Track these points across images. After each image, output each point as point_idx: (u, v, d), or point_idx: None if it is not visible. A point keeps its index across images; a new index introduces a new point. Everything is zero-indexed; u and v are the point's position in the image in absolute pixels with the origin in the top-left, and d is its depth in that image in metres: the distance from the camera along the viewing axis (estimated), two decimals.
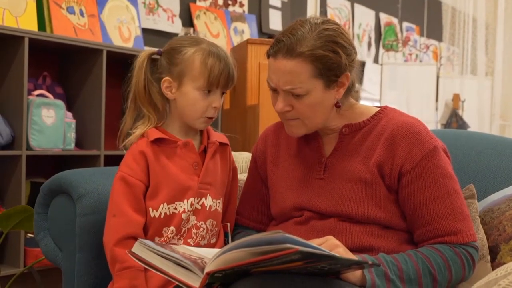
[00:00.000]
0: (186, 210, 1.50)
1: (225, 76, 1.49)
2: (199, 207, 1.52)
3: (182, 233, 1.51)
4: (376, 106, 1.60)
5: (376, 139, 1.49)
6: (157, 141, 1.51)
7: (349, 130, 1.53)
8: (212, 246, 1.56)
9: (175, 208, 1.50)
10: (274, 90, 1.50)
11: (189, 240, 1.50)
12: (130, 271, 1.42)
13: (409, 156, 1.44)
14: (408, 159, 1.44)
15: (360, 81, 1.58)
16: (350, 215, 1.45)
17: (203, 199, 1.52)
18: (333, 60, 1.42)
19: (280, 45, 1.43)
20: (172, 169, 1.50)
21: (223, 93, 1.54)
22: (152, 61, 1.56)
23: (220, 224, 1.60)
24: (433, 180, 1.44)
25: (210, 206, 1.54)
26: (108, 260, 1.47)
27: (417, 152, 1.44)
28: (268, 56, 1.47)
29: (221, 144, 1.60)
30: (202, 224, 1.52)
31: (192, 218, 1.51)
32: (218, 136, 1.61)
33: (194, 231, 1.51)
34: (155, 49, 1.57)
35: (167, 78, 1.51)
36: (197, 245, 1.51)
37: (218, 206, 1.57)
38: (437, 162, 1.45)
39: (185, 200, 1.50)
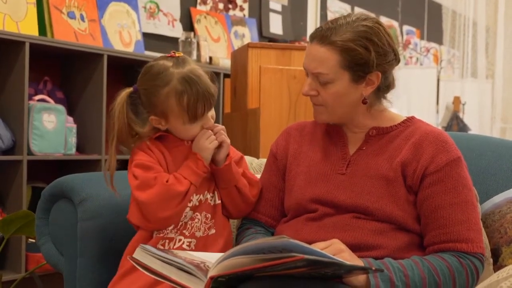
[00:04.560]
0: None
1: (202, 103, 1.49)
2: (197, 203, 1.54)
3: (179, 226, 1.52)
4: (404, 116, 1.63)
5: (403, 142, 1.52)
6: (159, 139, 1.56)
7: (376, 132, 1.56)
8: (213, 238, 1.56)
9: None
10: (307, 74, 1.55)
11: (184, 231, 1.52)
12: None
13: (434, 160, 1.47)
14: (433, 162, 1.47)
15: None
16: (367, 209, 1.46)
17: (200, 195, 1.55)
18: (361, 56, 1.46)
19: (318, 31, 1.50)
20: (173, 165, 1.53)
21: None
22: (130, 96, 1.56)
23: (220, 217, 1.59)
24: (453, 187, 1.46)
25: (206, 199, 1.56)
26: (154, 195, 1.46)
27: (443, 157, 1.47)
28: (308, 41, 1.54)
29: None
30: (197, 215, 1.54)
31: (190, 213, 1.53)
32: None
33: (190, 222, 1.53)
34: (130, 88, 1.55)
35: (153, 117, 1.53)
36: (192, 236, 1.52)
37: (211, 200, 1.58)
38: (460, 172, 1.48)
39: None
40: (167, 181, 1.47)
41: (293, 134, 1.70)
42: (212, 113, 1.56)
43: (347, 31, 1.46)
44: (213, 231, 1.57)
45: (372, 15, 1.54)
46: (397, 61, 1.55)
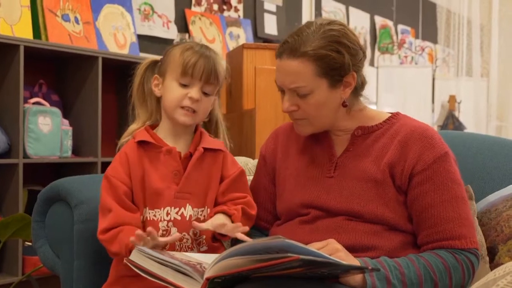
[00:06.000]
0: (163, 219, 1.49)
1: (200, 67, 1.49)
2: (179, 218, 1.49)
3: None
4: (388, 112, 1.62)
5: (389, 141, 1.51)
6: (142, 144, 1.53)
7: (361, 132, 1.55)
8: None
9: (155, 215, 1.49)
10: (282, 91, 1.53)
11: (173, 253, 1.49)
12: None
13: (421, 158, 1.46)
14: (420, 161, 1.46)
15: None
16: (358, 212, 1.46)
17: (182, 209, 1.50)
18: (336, 60, 1.45)
19: (285, 46, 1.48)
20: (151, 175, 1.50)
21: (207, 93, 1.52)
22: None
23: (207, 233, 1.53)
24: (442, 184, 1.45)
25: (190, 216, 1.50)
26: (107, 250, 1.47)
27: (429, 155, 1.46)
28: (276, 57, 1.51)
29: (214, 150, 1.57)
30: (185, 235, 1.50)
31: (173, 230, 1.49)
32: (210, 142, 1.57)
33: (178, 243, 1.48)
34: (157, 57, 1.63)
35: (156, 75, 1.57)
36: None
37: (201, 215, 1.53)
38: (448, 167, 1.47)
39: (162, 209, 1.49)
40: (107, 230, 1.45)
41: (281, 136, 1.69)
42: (211, 99, 1.54)
43: (315, 39, 1.45)
44: (204, 247, 1.53)
45: (333, 18, 1.52)
46: (365, 57, 1.55)
